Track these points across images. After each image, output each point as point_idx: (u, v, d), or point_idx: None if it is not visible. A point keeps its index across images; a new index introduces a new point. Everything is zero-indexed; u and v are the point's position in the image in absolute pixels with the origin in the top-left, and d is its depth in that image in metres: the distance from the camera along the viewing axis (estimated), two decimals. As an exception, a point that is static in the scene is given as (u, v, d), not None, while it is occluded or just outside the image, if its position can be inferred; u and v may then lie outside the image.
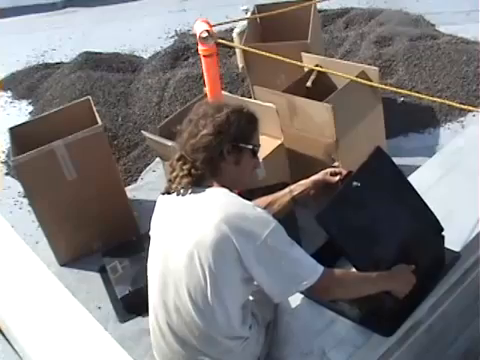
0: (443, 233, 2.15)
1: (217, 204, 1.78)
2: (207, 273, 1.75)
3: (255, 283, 1.83)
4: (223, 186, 1.84)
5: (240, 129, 1.86)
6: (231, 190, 1.85)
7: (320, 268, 1.78)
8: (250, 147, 1.88)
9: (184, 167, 1.85)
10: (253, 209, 1.79)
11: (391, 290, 1.93)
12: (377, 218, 2.00)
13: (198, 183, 1.83)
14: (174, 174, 1.87)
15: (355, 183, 2.06)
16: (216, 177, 1.85)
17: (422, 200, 2.13)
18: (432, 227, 2.14)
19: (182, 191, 1.84)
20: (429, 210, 2.13)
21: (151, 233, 1.97)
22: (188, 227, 1.80)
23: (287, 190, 2.17)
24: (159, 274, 1.88)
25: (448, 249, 2.18)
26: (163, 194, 1.92)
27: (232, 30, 4.34)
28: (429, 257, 2.08)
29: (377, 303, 1.96)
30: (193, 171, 1.83)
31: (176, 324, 1.85)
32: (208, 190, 1.82)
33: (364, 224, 1.98)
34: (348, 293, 1.92)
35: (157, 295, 1.90)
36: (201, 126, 1.84)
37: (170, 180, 1.89)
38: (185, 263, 1.78)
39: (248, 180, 1.97)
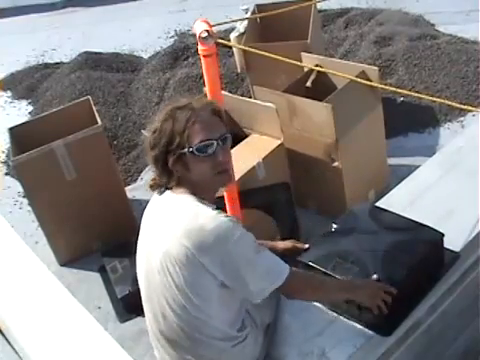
0: (443, 235, 2.14)
1: (181, 217, 1.76)
2: (177, 283, 1.75)
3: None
4: (193, 192, 1.81)
5: (172, 136, 1.77)
6: (200, 196, 1.80)
7: (286, 269, 1.79)
8: (190, 150, 1.76)
9: (156, 171, 1.86)
10: (215, 220, 1.73)
11: (355, 300, 1.95)
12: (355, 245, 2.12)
13: (168, 187, 1.84)
14: (153, 177, 1.90)
15: (334, 225, 2.21)
16: (179, 185, 1.82)
17: (404, 218, 2.22)
18: (422, 235, 2.15)
19: (161, 203, 1.85)
20: (416, 223, 2.18)
21: (140, 233, 1.97)
22: (160, 233, 1.81)
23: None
24: (144, 278, 1.90)
25: (447, 249, 2.18)
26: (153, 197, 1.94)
27: (232, 30, 4.34)
28: (421, 262, 2.08)
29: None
30: (158, 180, 1.86)
31: (165, 329, 1.86)
32: (178, 197, 1.80)
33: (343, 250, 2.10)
34: (314, 294, 1.95)
35: (145, 301, 1.92)
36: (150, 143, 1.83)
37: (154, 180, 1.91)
38: (158, 271, 1.79)
39: (213, 182, 1.84)
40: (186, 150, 1.76)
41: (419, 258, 2.08)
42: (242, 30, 4.09)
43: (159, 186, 1.86)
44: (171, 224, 1.76)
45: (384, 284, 1.94)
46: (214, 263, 1.71)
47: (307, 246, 2.19)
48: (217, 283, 1.75)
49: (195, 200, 1.78)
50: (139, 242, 1.95)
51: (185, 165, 1.78)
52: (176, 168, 1.79)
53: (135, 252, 1.98)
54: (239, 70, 4.30)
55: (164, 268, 1.76)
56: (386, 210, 2.30)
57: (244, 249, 1.74)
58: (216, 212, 1.77)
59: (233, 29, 4.35)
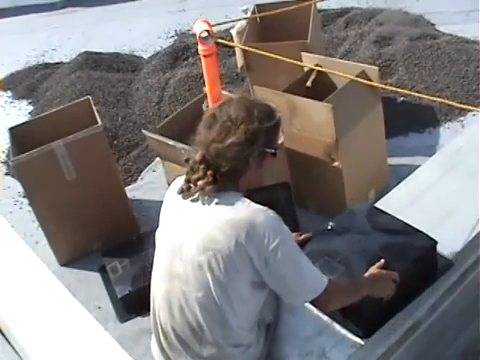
0: (436, 242, 2.12)
1: (229, 211, 1.75)
2: (217, 279, 1.74)
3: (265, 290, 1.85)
4: (240, 188, 1.81)
5: (268, 136, 1.80)
6: (245, 192, 1.82)
7: (325, 279, 1.80)
8: (273, 151, 1.83)
9: (208, 173, 1.77)
10: (265, 214, 1.75)
11: (373, 294, 1.94)
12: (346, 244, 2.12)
13: (220, 189, 1.78)
14: (195, 176, 1.79)
15: (331, 224, 2.22)
16: (237, 182, 1.81)
17: (401, 222, 2.21)
18: (415, 241, 2.13)
19: (204, 201, 1.79)
20: (411, 228, 2.17)
21: (160, 231, 1.94)
22: (201, 234, 1.77)
23: None
24: (166, 275, 1.87)
25: (442, 256, 2.17)
26: (180, 193, 1.85)
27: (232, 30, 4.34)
28: (409, 268, 2.06)
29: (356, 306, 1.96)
30: (218, 177, 1.76)
31: (179, 324, 1.85)
32: (225, 197, 1.78)
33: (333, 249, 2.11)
34: (345, 301, 1.92)
35: (162, 295, 1.89)
36: (232, 131, 1.75)
37: (189, 180, 1.82)
38: (193, 268, 1.77)
39: (264, 179, 1.93)
40: (274, 150, 1.83)
41: (408, 263, 2.05)
42: (238, 29, 4.08)
43: (211, 191, 1.77)
44: (218, 221, 1.75)
45: (388, 271, 1.95)
46: (260, 254, 1.71)
47: (309, 235, 2.20)
48: (252, 281, 1.76)
49: (241, 196, 1.80)
50: (163, 242, 1.91)
51: (261, 162, 1.81)
52: (253, 164, 1.79)
53: (135, 252, 1.97)
54: (239, 69, 4.30)
55: (204, 265, 1.75)
56: (385, 212, 2.29)
57: (289, 249, 1.76)
58: (263, 207, 1.78)
59: (232, 28, 4.35)
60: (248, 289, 1.78)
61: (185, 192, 1.83)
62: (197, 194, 1.80)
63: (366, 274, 1.95)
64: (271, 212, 1.76)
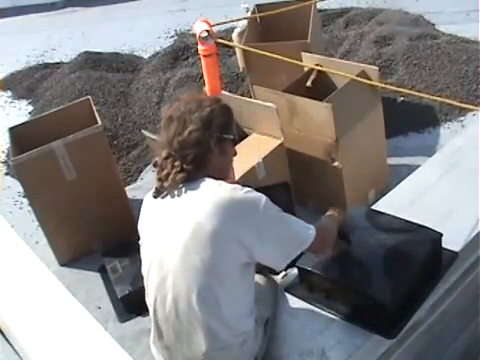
0: (442, 234, 2.14)
1: (209, 194, 1.82)
2: (206, 263, 1.77)
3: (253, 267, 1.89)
4: (211, 177, 1.88)
5: (223, 120, 1.93)
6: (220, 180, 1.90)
7: (311, 226, 1.88)
8: (232, 137, 1.96)
9: (175, 164, 1.87)
10: (242, 190, 1.84)
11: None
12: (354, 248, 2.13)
13: (190, 178, 1.86)
14: (165, 172, 1.89)
15: None
16: (204, 169, 1.89)
17: (401, 220, 2.23)
18: (422, 236, 2.15)
19: (176, 192, 1.87)
20: (413, 224, 2.19)
21: (142, 236, 1.97)
22: (183, 221, 1.82)
23: None
24: (156, 272, 1.88)
25: (446, 249, 2.18)
26: (155, 196, 1.92)
27: (232, 30, 4.34)
28: (421, 262, 2.08)
29: (374, 306, 1.97)
30: (185, 166, 1.86)
31: (175, 319, 1.85)
32: (198, 184, 1.85)
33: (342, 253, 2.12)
34: (333, 234, 2.03)
35: (154, 292, 1.89)
36: (187, 122, 1.88)
37: (160, 179, 1.91)
38: (181, 256, 1.80)
39: (230, 168, 2.06)
40: (232, 136, 1.95)
41: (420, 259, 2.07)
42: (240, 29, 4.08)
43: (182, 179, 1.86)
44: (200, 205, 1.80)
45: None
46: (249, 228, 1.78)
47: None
48: (241, 261, 1.80)
49: (215, 181, 1.86)
50: (147, 245, 1.94)
51: (222, 148, 1.92)
52: (215, 150, 1.89)
53: (135, 252, 1.97)
54: (241, 69, 4.30)
55: (190, 251, 1.78)
56: (383, 213, 2.30)
57: (274, 211, 1.85)
58: (237, 185, 1.88)
59: (233, 29, 4.35)
60: (237, 271, 1.81)
61: (159, 191, 1.91)
62: (171, 188, 1.87)
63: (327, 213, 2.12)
64: (244, 188, 1.87)
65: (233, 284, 1.82)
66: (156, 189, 1.92)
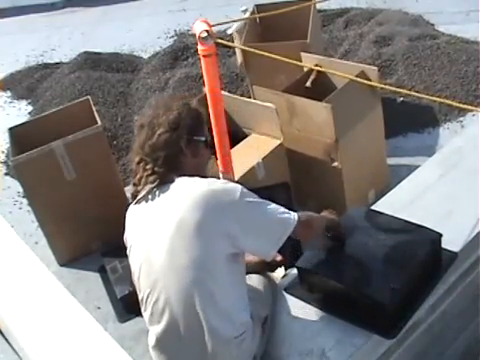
0: (441, 235, 2.14)
1: (186, 191, 1.84)
2: (195, 259, 1.77)
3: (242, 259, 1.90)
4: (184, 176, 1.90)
5: (192, 122, 1.95)
6: None
7: (293, 212, 1.89)
8: (203, 139, 1.98)
9: (147, 167, 1.90)
10: (218, 181, 1.89)
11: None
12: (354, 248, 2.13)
13: (163, 180, 1.89)
14: (138, 177, 1.93)
15: None
16: (177, 171, 1.91)
17: (400, 220, 2.23)
18: (421, 236, 2.15)
19: (150, 195, 1.89)
20: (413, 224, 2.19)
21: (128, 244, 1.98)
22: (165, 222, 1.82)
23: None
24: (145, 277, 1.89)
25: (445, 249, 2.18)
26: (134, 203, 1.95)
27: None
28: (421, 263, 2.08)
29: (374, 306, 1.97)
30: (157, 169, 1.89)
31: (171, 320, 1.84)
32: (173, 185, 1.87)
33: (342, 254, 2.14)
34: (321, 224, 2.04)
35: (146, 297, 1.89)
36: (156, 126, 1.91)
37: (135, 184, 1.94)
38: (169, 256, 1.80)
39: (205, 171, 2.06)
40: (203, 138, 1.98)
41: (419, 259, 2.08)
42: (232, 30, 4.07)
43: (154, 181, 1.89)
44: (179, 203, 1.81)
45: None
46: (230, 218, 1.79)
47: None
48: (227, 253, 1.81)
49: (189, 178, 1.89)
50: (133, 254, 1.96)
51: (194, 150, 1.95)
52: (187, 152, 1.92)
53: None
54: (239, 69, 4.29)
55: (175, 250, 1.79)
56: (382, 213, 2.30)
57: (252, 198, 1.86)
58: (212, 178, 1.91)
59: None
60: (226, 263, 1.81)
61: (135, 196, 1.94)
62: (145, 191, 1.90)
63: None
64: (220, 179, 1.94)
65: (224, 276, 1.82)
66: (132, 195, 1.95)
